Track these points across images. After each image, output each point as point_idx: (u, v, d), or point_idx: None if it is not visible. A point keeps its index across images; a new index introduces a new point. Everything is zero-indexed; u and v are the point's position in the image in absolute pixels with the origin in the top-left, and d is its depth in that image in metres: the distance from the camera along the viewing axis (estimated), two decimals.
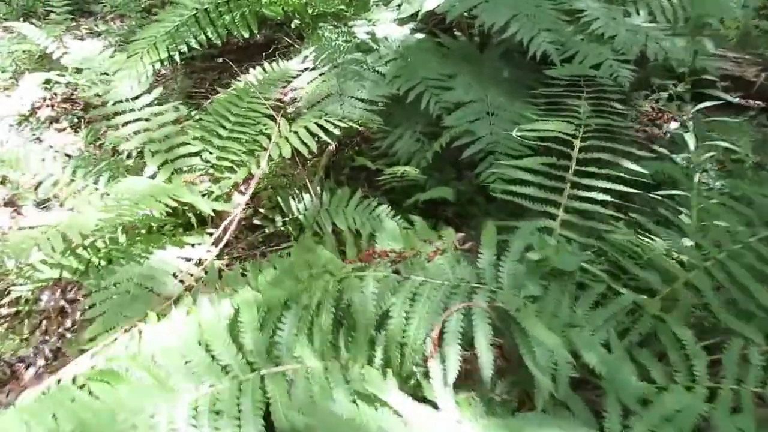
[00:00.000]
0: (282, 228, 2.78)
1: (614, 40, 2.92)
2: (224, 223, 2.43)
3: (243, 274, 2.03)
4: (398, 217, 2.73)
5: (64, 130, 3.62)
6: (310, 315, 1.61)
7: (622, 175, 2.14)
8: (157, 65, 3.12)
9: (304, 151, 2.54)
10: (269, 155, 2.54)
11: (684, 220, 2.34)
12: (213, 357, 1.56)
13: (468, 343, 1.66)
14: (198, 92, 4.03)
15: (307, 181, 2.92)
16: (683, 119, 3.71)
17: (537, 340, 1.60)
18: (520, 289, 1.72)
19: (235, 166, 2.68)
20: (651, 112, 3.83)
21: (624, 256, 1.96)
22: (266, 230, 2.77)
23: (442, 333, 1.62)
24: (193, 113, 3.56)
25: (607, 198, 2.10)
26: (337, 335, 1.63)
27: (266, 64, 2.96)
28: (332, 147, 3.14)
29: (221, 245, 2.40)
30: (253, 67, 3.16)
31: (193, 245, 2.37)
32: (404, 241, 1.75)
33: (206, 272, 2.20)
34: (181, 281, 2.21)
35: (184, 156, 2.65)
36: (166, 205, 2.26)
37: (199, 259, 2.30)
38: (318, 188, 2.94)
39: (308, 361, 1.57)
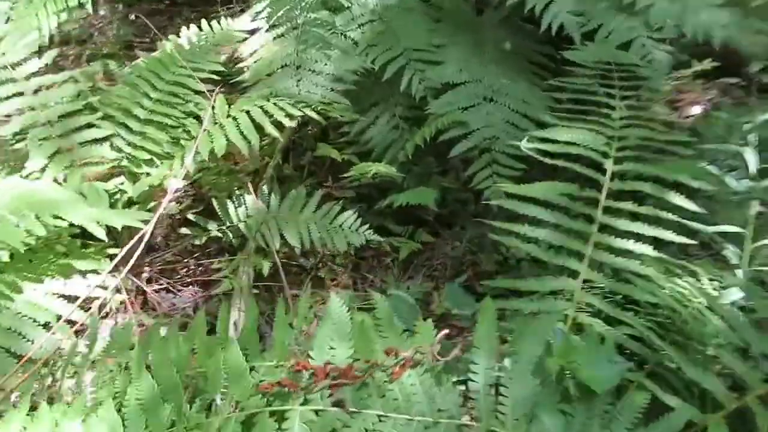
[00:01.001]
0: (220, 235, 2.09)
1: (650, 11, 2.19)
2: (132, 242, 1.73)
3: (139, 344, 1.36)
4: (367, 227, 2.07)
5: None
6: None
7: (672, 218, 1.46)
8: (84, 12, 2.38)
9: (242, 146, 1.83)
10: (196, 149, 1.83)
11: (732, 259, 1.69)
12: None
13: None
14: (141, 42, 3.23)
15: (252, 179, 2.21)
16: (706, 102, 3.05)
17: None
18: (530, 423, 1.07)
19: (155, 159, 1.96)
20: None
21: (675, 349, 1.30)
22: (196, 241, 2.08)
23: None
24: (126, 71, 2.82)
25: (650, 252, 1.43)
26: None
27: (205, 23, 2.19)
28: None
29: (125, 271, 1.72)
30: (212, 15, 2.39)
31: (84, 274, 1.68)
32: (358, 341, 1.08)
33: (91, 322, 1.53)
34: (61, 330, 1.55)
35: (86, 143, 1.91)
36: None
37: (88, 298, 1.62)
38: (270, 182, 2.24)
39: None
